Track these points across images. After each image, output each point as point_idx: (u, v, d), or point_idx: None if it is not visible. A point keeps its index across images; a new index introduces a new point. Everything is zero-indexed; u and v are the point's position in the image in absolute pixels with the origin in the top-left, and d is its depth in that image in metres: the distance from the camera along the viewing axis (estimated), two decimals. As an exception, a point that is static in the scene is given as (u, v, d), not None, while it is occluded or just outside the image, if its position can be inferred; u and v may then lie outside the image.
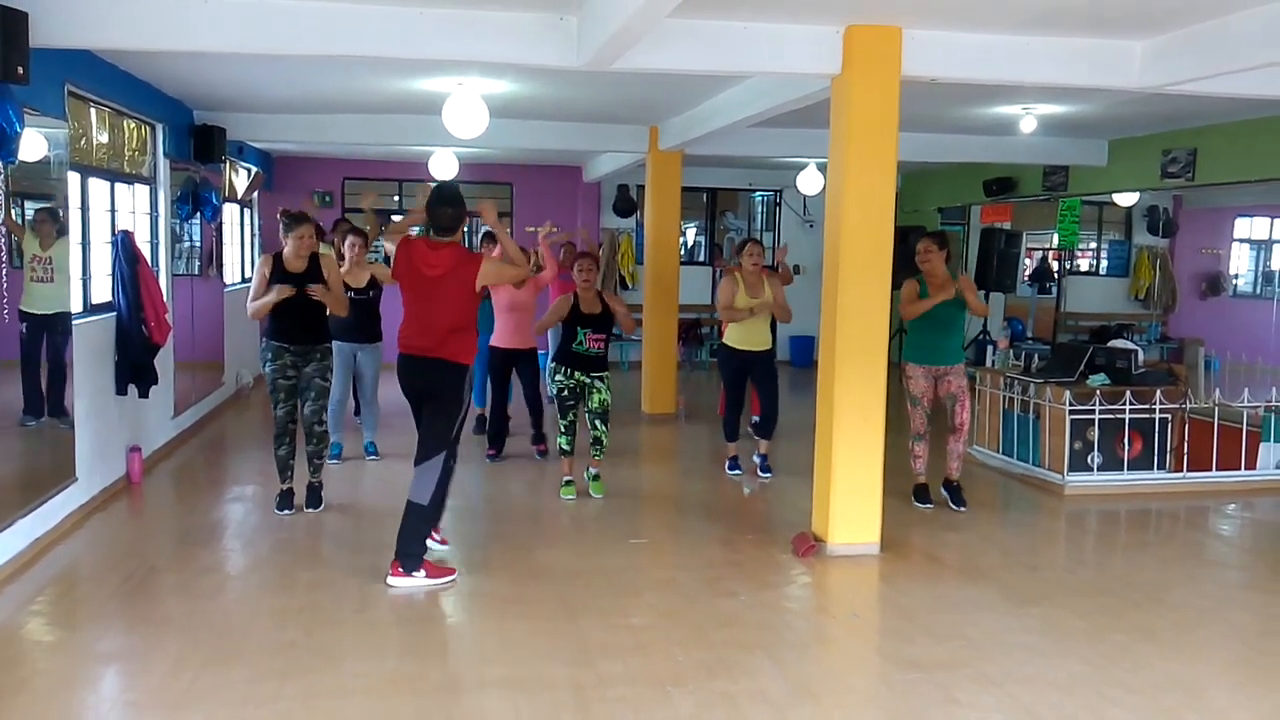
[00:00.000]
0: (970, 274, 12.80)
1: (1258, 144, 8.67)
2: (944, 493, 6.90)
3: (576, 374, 6.85)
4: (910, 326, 7.01)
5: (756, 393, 7.75)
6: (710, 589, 5.21)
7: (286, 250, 6.23)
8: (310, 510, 6.43)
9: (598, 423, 6.93)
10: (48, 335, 5.91)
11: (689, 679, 4.10)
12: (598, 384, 6.87)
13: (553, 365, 7.03)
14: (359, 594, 5.03)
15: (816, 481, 5.94)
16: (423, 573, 5.14)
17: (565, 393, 6.88)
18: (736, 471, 7.70)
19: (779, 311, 7.36)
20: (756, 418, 7.84)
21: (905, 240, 7.93)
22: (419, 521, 5.16)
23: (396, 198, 14.09)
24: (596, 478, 7.02)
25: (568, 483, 7.00)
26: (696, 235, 15.23)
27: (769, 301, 7.29)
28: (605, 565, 5.58)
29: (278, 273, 6.18)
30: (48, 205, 5.89)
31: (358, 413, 8.14)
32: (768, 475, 7.60)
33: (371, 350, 7.77)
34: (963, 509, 6.77)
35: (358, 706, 3.82)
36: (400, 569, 5.13)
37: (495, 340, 7.81)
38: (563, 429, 6.95)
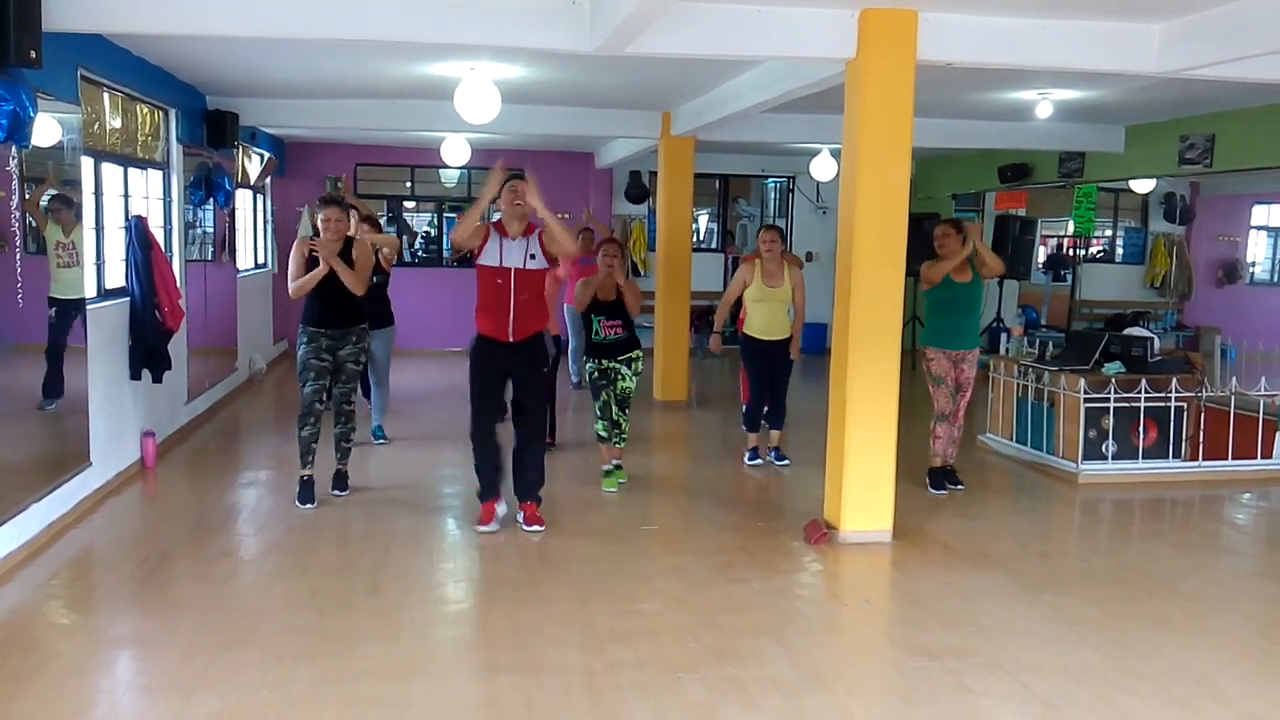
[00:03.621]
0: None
1: (1277, 130, 8.56)
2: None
3: (603, 361, 6.83)
4: (931, 310, 7.02)
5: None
6: (721, 575, 5.21)
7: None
8: (337, 494, 6.44)
9: (617, 410, 6.89)
10: (76, 319, 5.97)
11: (700, 665, 4.10)
12: (623, 370, 6.82)
13: (583, 359, 7.04)
14: (371, 578, 5.05)
15: (829, 469, 5.92)
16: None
17: (596, 374, 6.86)
18: (756, 462, 7.59)
19: (796, 309, 7.33)
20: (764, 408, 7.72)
21: (920, 227, 7.88)
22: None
23: (409, 184, 14.10)
24: (619, 467, 6.98)
25: (607, 472, 6.91)
26: (709, 222, 15.19)
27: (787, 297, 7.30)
28: (616, 551, 5.58)
29: (313, 254, 6.21)
30: (63, 192, 5.91)
31: (366, 395, 8.15)
32: (785, 463, 7.56)
33: (383, 335, 7.78)
34: (961, 487, 6.97)
35: (370, 690, 3.83)
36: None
37: None
38: (598, 412, 6.88)
